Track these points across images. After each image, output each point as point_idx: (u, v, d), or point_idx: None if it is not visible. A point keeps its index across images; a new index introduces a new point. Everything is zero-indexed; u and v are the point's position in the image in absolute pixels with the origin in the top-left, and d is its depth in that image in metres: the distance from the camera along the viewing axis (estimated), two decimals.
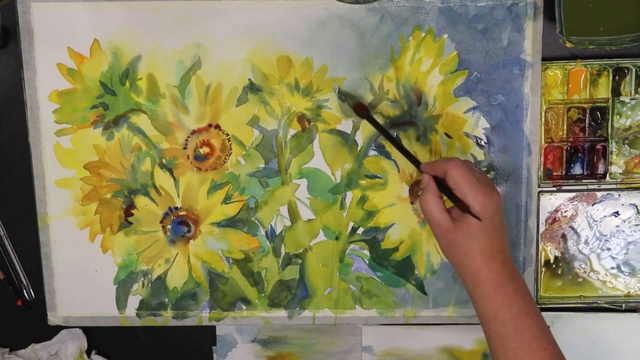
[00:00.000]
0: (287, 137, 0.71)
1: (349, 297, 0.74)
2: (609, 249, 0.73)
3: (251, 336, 0.75)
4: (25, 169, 0.72)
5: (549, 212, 0.72)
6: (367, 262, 0.73)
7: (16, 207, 0.73)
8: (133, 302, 0.74)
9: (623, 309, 0.74)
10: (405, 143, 0.71)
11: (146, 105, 0.71)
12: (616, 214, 0.72)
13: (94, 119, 0.71)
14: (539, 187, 0.72)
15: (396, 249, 0.73)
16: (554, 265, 0.73)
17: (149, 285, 0.74)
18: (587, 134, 0.71)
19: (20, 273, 0.74)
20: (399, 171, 0.72)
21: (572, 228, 0.73)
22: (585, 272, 0.73)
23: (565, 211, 0.72)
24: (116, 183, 0.72)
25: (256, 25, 0.69)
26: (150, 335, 0.76)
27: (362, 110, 0.68)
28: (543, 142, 0.71)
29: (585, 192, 0.72)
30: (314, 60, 0.70)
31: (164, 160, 0.72)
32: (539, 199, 0.72)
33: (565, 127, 0.71)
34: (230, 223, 0.73)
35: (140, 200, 0.72)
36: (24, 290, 0.75)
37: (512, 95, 0.70)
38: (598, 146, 0.71)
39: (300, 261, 0.73)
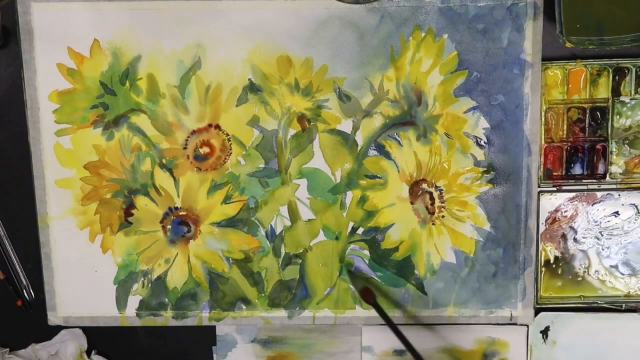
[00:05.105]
0: (287, 137, 0.71)
1: (349, 297, 0.74)
2: (608, 249, 0.73)
3: (251, 336, 0.75)
4: (25, 169, 0.72)
5: (549, 212, 0.72)
6: (367, 262, 0.73)
7: (16, 207, 0.73)
8: (133, 302, 0.74)
9: (623, 309, 0.74)
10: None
11: (146, 105, 0.71)
12: (616, 214, 0.72)
13: (94, 119, 0.71)
14: (539, 187, 0.72)
15: (396, 249, 0.73)
16: (554, 265, 0.73)
17: (149, 285, 0.74)
18: (587, 134, 0.71)
19: (20, 273, 0.74)
20: (399, 171, 0.72)
21: (572, 228, 0.73)
22: (585, 272, 0.73)
23: (565, 211, 0.73)
24: (116, 183, 0.72)
25: (256, 25, 0.69)
26: (150, 335, 0.76)
27: (369, 297, 0.70)
28: (543, 142, 0.71)
29: (585, 192, 0.72)
30: (314, 60, 0.70)
31: (164, 160, 0.72)
32: (539, 199, 0.72)
33: (565, 127, 0.71)
34: (230, 223, 0.73)
35: (140, 200, 0.72)
36: (24, 290, 0.75)
37: (512, 95, 0.70)
38: (598, 146, 0.71)
39: (300, 261, 0.73)
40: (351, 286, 0.73)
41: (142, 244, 0.73)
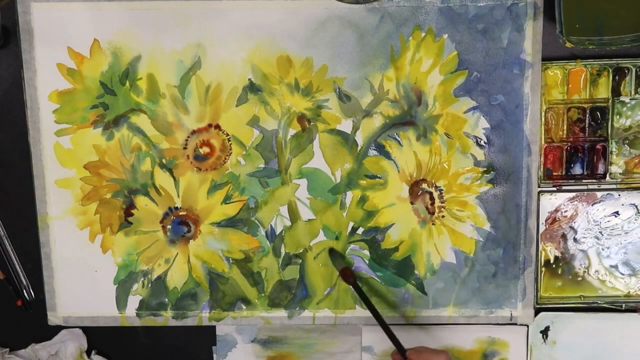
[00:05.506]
0: (287, 137, 0.71)
1: (348, 297, 0.74)
2: (608, 249, 0.73)
3: (251, 336, 0.75)
4: (25, 169, 0.72)
5: (549, 212, 0.72)
6: (367, 262, 0.73)
7: (16, 207, 0.73)
8: (133, 302, 0.74)
9: (623, 309, 0.74)
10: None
11: (146, 105, 0.71)
12: (616, 214, 0.72)
13: (94, 119, 0.71)
14: (539, 187, 0.72)
15: (396, 249, 0.73)
16: (554, 265, 0.73)
17: (149, 285, 0.74)
18: (587, 134, 0.71)
19: (20, 273, 0.74)
20: (399, 171, 0.72)
21: (572, 228, 0.73)
22: (585, 272, 0.73)
23: (565, 211, 0.73)
24: (116, 183, 0.72)
25: (256, 25, 0.69)
26: (150, 335, 0.76)
27: (348, 276, 0.70)
28: (543, 142, 0.71)
29: (585, 192, 0.72)
30: (314, 60, 0.70)
31: (164, 160, 0.72)
32: (539, 199, 0.72)
33: (565, 127, 0.71)
34: (230, 223, 0.73)
35: (140, 200, 0.72)
36: (24, 290, 0.75)
37: (512, 95, 0.70)
38: (598, 146, 0.71)
39: (300, 261, 0.73)
40: (332, 263, 0.73)
41: (142, 244, 0.73)
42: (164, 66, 0.70)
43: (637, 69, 0.70)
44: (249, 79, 0.70)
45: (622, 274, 0.73)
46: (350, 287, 0.71)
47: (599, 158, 0.72)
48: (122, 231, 0.73)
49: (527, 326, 0.74)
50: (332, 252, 0.72)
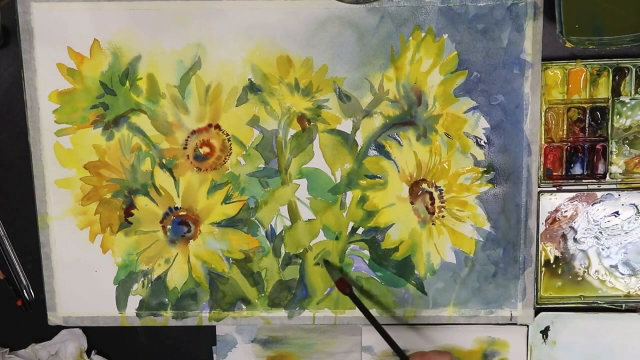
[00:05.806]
0: (287, 137, 0.71)
1: (349, 297, 0.74)
2: (608, 249, 0.73)
3: (251, 336, 0.75)
4: (25, 169, 0.72)
5: (549, 212, 0.72)
6: (367, 262, 0.73)
7: (16, 207, 0.73)
8: (133, 302, 0.74)
9: (623, 309, 0.74)
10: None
11: (146, 105, 0.71)
12: (616, 214, 0.72)
13: (94, 119, 0.71)
14: (539, 187, 0.72)
15: (396, 249, 0.73)
16: (554, 265, 0.73)
17: (149, 285, 0.74)
18: (587, 134, 0.71)
19: (20, 273, 0.74)
20: (399, 171, 0.72)
21: (572, 228, 0.73)
22: (585, 272, 0.73)
23: (565, 211, 0.73)
24: (116, 183, 0.72)
25: (256, 25, 0.69)
26: (150, 335, 0.76)
27: (344, 287, 0.70)
28: (543, 142, 0.71)
29: (585, 192, 0.72)
30: (314, 60, 0.70)
31: (164, 160, 0.72)
32: (539, 199, 0.72)
33: (565, 127, 0.71)
34: (230, 223, 0.73)
35: (140, 200, 0.72)
36: (24, 290, 0.75)
37: (512, 95, 0.70)
38: (598, 146, 0.71)
39: (300, 261, 0.73)
40: (327, 272, 0.73)
41: (142, 244, 0.73)
42: (164, 66, 0.70)
43: (637, 69, 0.70)
44: (249, 79, 0.70)
45: (622, 274, 0.73)
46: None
47: (599, 158, 0.72)
48: (122, 231, 0.73)
49: (527, 326, 0.74)
50: (327, 263, 0.72)
